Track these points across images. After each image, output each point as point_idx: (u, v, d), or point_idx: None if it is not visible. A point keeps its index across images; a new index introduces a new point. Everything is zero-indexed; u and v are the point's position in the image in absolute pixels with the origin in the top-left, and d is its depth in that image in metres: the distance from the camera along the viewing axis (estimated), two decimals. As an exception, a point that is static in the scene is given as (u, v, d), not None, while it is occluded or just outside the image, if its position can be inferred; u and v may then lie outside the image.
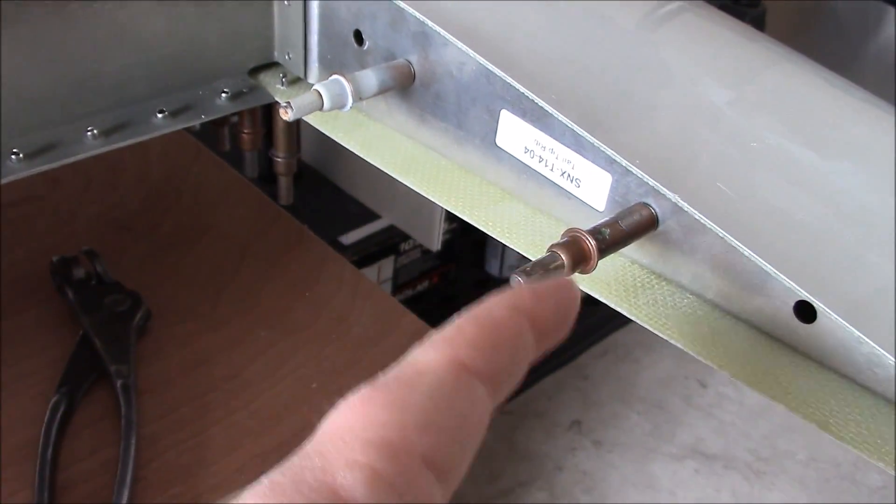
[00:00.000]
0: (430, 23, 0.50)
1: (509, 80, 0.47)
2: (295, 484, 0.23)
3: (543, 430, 1.55)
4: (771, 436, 1.55)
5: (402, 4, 0.51)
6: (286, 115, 0.50)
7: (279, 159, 0.72)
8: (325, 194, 1.24)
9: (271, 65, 0.65)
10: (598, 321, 1.49)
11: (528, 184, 0.51)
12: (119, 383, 0.62)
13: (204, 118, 0.60)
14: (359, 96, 0.53)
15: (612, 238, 0.42)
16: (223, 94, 0.61)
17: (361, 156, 0.58)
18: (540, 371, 1.50)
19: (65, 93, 0.56)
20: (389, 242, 1.23)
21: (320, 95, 0.51)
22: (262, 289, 0.75)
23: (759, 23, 1.06)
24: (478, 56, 0.48)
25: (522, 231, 0.50)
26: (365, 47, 0.57)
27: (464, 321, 0.29)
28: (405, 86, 0.55)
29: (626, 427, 1.56)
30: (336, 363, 0.68)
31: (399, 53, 0.55)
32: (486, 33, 0.50)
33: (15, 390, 0.64)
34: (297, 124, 0.72)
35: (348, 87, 0.52)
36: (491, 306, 0.30)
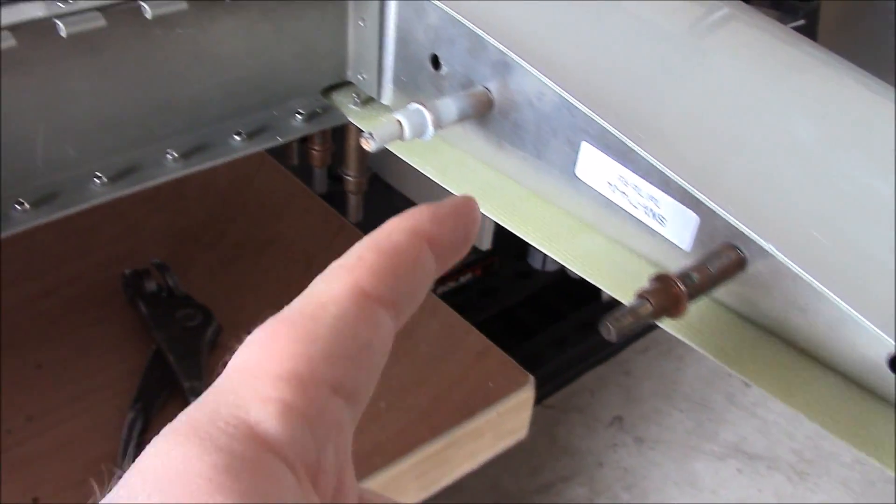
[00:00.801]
0: (510, 53, 0.50)
1: (592, 114, 0.47)
2: (212, 421, 0.24)
3: (585, 425, 1.54)
4: (815, 437, 1.54)
5: (483, 34, 0.51)
6: (368, 146, 0.50)
7: (349, 178, 0.72)
8: (379, 197, 1.24)
9: (344, 83, 0.65)
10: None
11: (608, 217, 0.51)
12: (193, 401, 0.63)
13: (280, 140, 0.60)
14: (439, 125, 0.53)
15: (701, 283, 0.42)
16: (298, 115, 0.61)
17: (437, 181, 0.58)
18: (582, 366, 1.49)
19: (145, 115, 0.56)
20: None
21: (401, 125, 0.51)
22: (328, 303, 0.75)
23: (812, 18, 1.04)
24: (559, 88, 0.48)
25: (603, 266, 0.50)
26: (442, 72, 0.57)
27: (364, 249, 0.29)
28: (483, 114, 0.55)
29: (668, 424, 1.55)
30: (404, 381, 0.69)
31: (477, 80, 0.55)
32: (567, 62, 0.50)
33: (90, 403, 0.65)
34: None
35: (429, 117, 0.52)
36: (390, 231, 0.30)
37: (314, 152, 0.71)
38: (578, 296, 1.47)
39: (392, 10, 0.59)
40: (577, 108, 0.48)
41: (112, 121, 0.55)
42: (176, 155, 0.57)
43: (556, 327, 1.45)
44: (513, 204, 0.55)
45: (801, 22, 0.96)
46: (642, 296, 0.41)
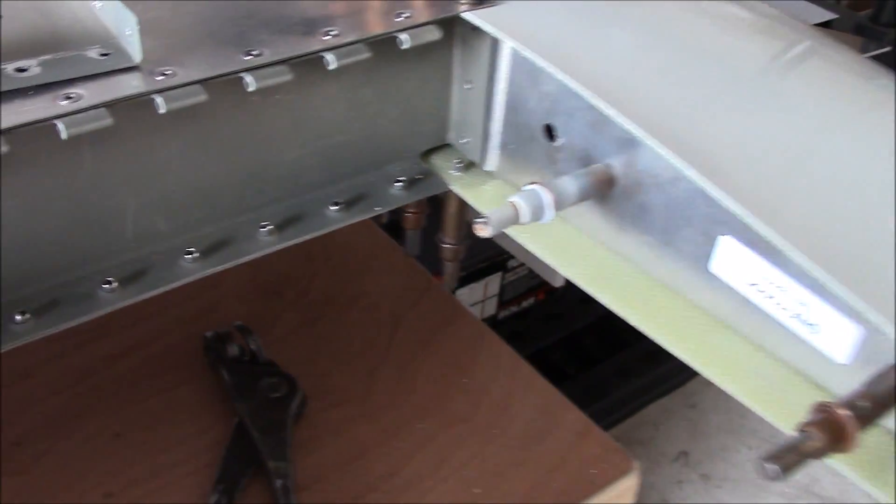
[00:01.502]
0: (640, 133, 0.45)
1: (737, 208, 0.42)
2: None
3: (649, 459, 1.49)
4: (890, 484, 1.46)
5: (609, 110, 0.46)
6: (484, 232, 0.46)
7: (447, 245, 0.68)
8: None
9: (443, 146, 0.61)
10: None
11: (747, 318, 0.46)
12: (279, 483, 0.59)
13: (379, 210, 0.57)
14: (559, 207, 0.48)
15: (873, 412, 0.37)
16: (397, 183, 0.58)
17: (549, 263, 0.54)
18: (646, 397, 1.45)
19: (239, 184, 0.53)
20: (497, 259, 1.20)
21: (517, 209, 0.47)
22: (417, 370, 0.72)
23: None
24: (699, 177, 0.43)
25: (743, 374, 0.45)
26: (557, 144, 0.53)
27: None
28: (604, 193, 0.51)
29: (736, 461, 1.49)
30: (499, 463, 0.64)
31: (598, 156, 0.51)
32: (705, 144, 0.45)
33: (170, 479, 0.62)
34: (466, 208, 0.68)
35: (548, 199, 0.48)
36: None
37: (408, 215, 0.67)
38: (644, 324, 1.43)
39: (503, 74, 0.55)
40: (717, 200, 0.43)
41: (204, 191, 0.52)
42: (270, 227, 0.53)
43: (620, 356, 1.41)
44: (635, 293, 0.50)
45: (887, 49, 0.90)
46: (807, 429, 0.36)
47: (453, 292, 0.74)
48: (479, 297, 1.43)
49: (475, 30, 0.55)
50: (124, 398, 0.68)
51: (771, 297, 0.44)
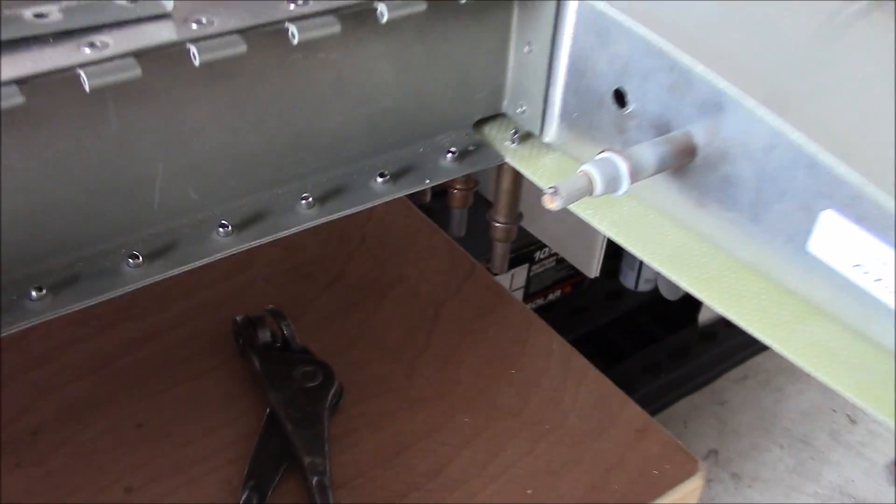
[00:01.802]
0: (734, 91, 0.40)
1: (854, 177, 0.37)
2: None
3: None
4: (929, 484, 1.42)
5: (700, 70, 0.41)
6: (553, 204, 0.41)
7: (498, 224, 0.63)
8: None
9: (497, 116, 0.57)
10: (737, 343, 1.38)
11: (850, 303, 0.41)
12: (314, 480, 0.55)
13: (429, 183, 0.52)
14: (636, 178, 0.43)
15: None
16: (448, 154, 0.53)
17: (617, 241, 0.49)
18: (675, 393, 1.42)
19: (277, 153, 0.48)
20: (524, 251, 1.15)
21: (591, 179, 0.42)
22: (461, 361, 0.67)
23: None
24: (805, 141, 0.38)
25: (846, 367, 0.40)
26: (627, 110, 0.48)
27: None
28: (683, 164, 0.46)
29: (766, 461, 1.45)
30: (552, 461, 0.59)
31: (676, 123, 0.46)
32: (805, 107, 0.40)
33: (196, 474, 0.57)
34: (521, 183, 0.63)
35: (625, 169, 0.43)
36: None
37: (455, 192, 0.62)
38: (673, 318, 1.39)
39: (567, 33, 0.50)
40: (823, 166, 0.38)
41: (240, 159, 0.47)
42: (311, 200, 0.48)
43: (648, 351, 1.37)
44: (717, 276, 0.45)
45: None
46: None
47: (502, 272, 0.69)
48: (506, 288, 1.39)
49: (537, -15, 0.50)
50: (148, 386, 0.63)
51: (879, 280, 0.39)
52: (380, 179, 0.51)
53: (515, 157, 0.55)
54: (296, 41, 0.41)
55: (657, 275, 1.37)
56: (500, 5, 0.52)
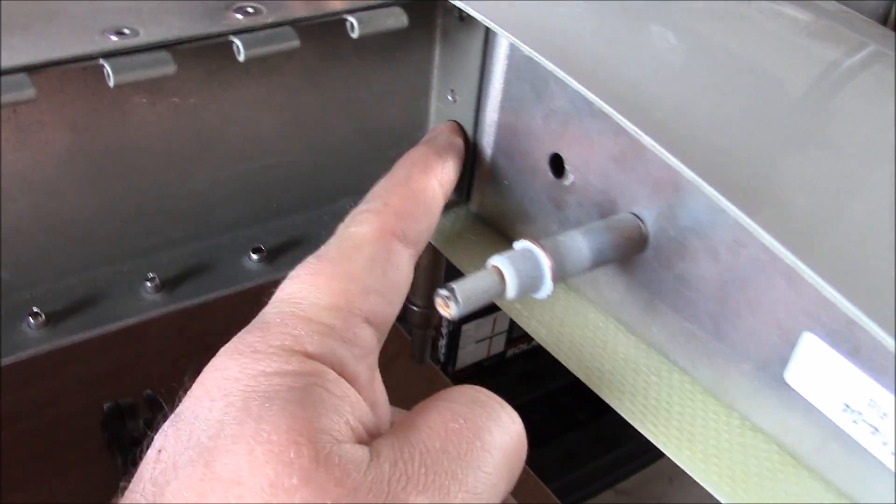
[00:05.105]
0: (693, 174, 0.31)
1: (846, 303, 0.27)
2: (262, 340, 0.29)
3: None
4: None
5: (646, 138, 0.32)
6: (448, 312, 0.32)
7: (416, 309, 0.54)
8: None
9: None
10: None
11: (836, 456, 0.32)
12: None
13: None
14: (562, 276, 0.34)
15: None
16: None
17: (549, 350, 0.40)
18: (658, 450, 1.34)
19: (119, 219, 0.39)
20: None
21: (502, 278, 0.33)
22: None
23: None
24: (781, 246, 0.29)
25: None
26: (566, 182, 0.39)
27: (388, 194, 0.36)
28: (630, 255, 0.36)
29: None
30: None
31: (624, 202, 0.37)
32: (780, 194, 0.31)
33: None
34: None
35: (547, 266, 0.33)
36: (408, 175, 0.37)
37: (415, 310, 0.53)
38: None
39: (497, 81, 0.41)
40: (806, 282, 0.29)
41: (64, 227, 0.38)
42: (158, 282, 0.39)
43: None
44: (667, 403, 0.36)
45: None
46: None
47: (421, 363, 0.59)
48: (487, 333, 1.31)
49: (463, 19, 0.41)
50: (14, 477, 0.53)
51: (875, 431, 0.29)
52: (255, 256, 0.41)
53: (435, 230, 0.45)
54: (111, 83, 0.32)
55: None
56: (417, 45, 0.43)
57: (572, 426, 1.35)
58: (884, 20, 0.53)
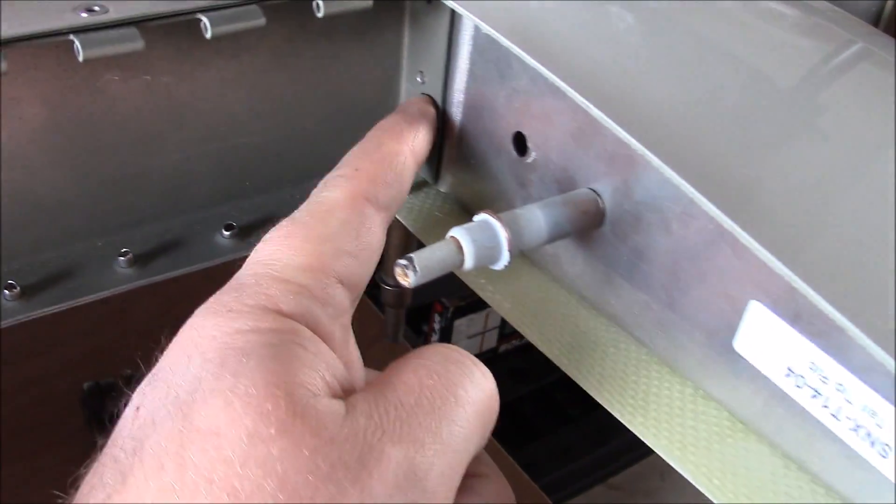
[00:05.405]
0: (641, 146, 0.32)
1: (783, 269, 0.28)
2: (238, 300, 0.29)
3: None
4: None
5: (599, 113, 0.33)
6: (406, 280, 0.33)
7: (389, 287, 0.55)
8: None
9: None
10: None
11: (781, 420, 0.33)
12: None
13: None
14: (519, 248, 0.35)
15: None
16: (320, 203, 0.45)
17: (511, 322, 0.41)
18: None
19: (91, 195, 0.40)
20: None
21: (460, 248, 0.34)
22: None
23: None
24: (720, 213, 0.30)
25: (765, 495, 0.32)
26: (529, 159, 0.40)
27: (360, 160, 0.37)
28: (587, 230, 0.38)
29: None
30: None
31: (582, 178, 0.38)
32: (730, 171, 0.32)
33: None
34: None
35: (503, 237, 0.34)
36: (380, 142, 0.39)
37: (388, 289, 0.54)
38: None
39: (462, 62, 0.42)
40: (751, 251, 0.30)
41: (41, 202, 0.39)
42: (131, 257, 0.40)
43: None
44: (623, 373, 0.37)
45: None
46: None
47: (395, 342, 0.60)
48: (479, 328, 1.32)
49: (430, 2, 0.42)
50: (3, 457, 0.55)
51: (818, 395, 0.30)
52: (227, 233, 0.42)
53: (404, 209, 0.47)
54: (80, 58, 0.33)
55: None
56: (386, 26, 0.44)
57: (565, 421, 1.36)
58: (876, 20, 0.54)
